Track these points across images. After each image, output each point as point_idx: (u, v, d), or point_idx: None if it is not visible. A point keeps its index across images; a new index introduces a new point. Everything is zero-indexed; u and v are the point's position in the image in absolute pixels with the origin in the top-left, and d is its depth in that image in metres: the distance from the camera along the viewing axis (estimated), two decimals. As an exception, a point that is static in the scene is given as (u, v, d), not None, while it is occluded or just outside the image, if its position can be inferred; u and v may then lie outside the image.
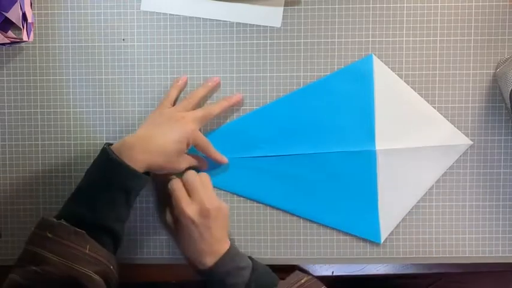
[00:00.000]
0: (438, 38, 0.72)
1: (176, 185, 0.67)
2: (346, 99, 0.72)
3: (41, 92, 0.74)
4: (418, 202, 0.73)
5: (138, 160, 0.63)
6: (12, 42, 0.70)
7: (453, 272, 0.75)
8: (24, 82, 0.74)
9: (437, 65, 0.72)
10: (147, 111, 0.73)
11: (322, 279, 0.73)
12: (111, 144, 0.66)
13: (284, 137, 0.72)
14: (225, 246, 0.67)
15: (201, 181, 0.68)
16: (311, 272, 0.75)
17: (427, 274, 0.77)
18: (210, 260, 0.66)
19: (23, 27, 0.70)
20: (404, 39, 0.72)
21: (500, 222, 0.73)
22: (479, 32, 0.72)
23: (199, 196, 0.66)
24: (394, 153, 0.71)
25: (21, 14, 0.69)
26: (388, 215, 0.72)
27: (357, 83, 0.72)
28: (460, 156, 0.73)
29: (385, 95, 0.72)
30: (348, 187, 0.72)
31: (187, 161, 0.70)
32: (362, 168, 0.72)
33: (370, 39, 0.72)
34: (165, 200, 0.69)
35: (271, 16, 0.72)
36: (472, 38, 0.72)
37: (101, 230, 0.62)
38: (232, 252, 0.67)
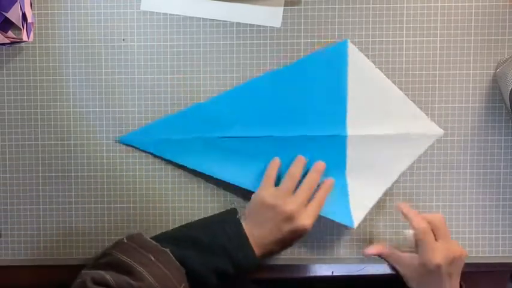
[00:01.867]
0: (438, 38, 0.72)
1: (427, 233, 0.65)
2: (319, 84, 0.72)
3: (41, 92, 0.74)
4: (419, 202, 0.73)
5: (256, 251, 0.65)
6: (12, 42, 0.70)
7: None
8: (24, 82, 0.74)
9: (437, 65, 0.72)
10: (147, 111, 0.73)
11: (322, 279, 0.74)
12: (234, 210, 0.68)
13: (256, 118, 0.72)
14: None
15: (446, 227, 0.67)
16: (311, 272, 0.75)
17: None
18: None
19: (23, 27, 0.70)
20: (404, 39, 0.72)
21: (500, 222, 0.73)
22: (479, 32, 0.72)
23: (448, 242, 0.65)
24: (364, 139, 0.71)
25: (21, 14, 0.69)
26: (358, 200, 0.72)
27: (331, 67, 0.71)
28: (460, 156, 0.73)
29: (359, 81, 0.71)
30: None
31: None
32: (332, 153, 0.71)
33: (370, 39, 0.72)
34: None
35: (271, 16, 0.72)
36: (472, 38, 0.72)
37: (197, 281, 0.63)
38: None
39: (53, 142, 0.74)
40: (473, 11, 0.72)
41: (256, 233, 0.65)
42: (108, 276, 0.58)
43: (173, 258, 0.62)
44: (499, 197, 0.73)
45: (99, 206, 0.74)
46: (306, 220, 0.66)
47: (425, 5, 0.72)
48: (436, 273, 0.64)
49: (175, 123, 0.73)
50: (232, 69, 0.73)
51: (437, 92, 0.72)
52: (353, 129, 0.71)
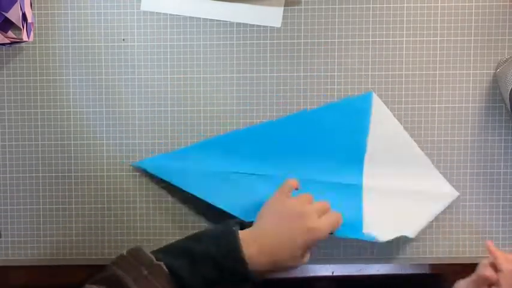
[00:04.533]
0: (438, 38, 0.72)
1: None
2: (340, 132, 0.72)
3: (41, 92, 0.74)
4: (418, 202, 0.73)
5: (261, 268, 0.62)
6: (12, 42, 0.70)
7: (453, 272, 0.75)
8: (24, 82, 0.74)
9: (437, 65, 0.72)
10: (147, 111, 0.73)
11: (322, 279, 0.74)
12: (240, 222, 0.65)
13: (274, 157, 0.72)
14: None
15: None
16: (311, 272, 0.75)
17: (426, 274, 0.77)
18: None
19: (23, 27, 0.70)
20: (404, 39, 0.72)
21: (500, 222, 0.73)
22: (479, 32, 0.72)
23: None
24: (380, 192, 0.71)
25: (21, 14, 0.69)
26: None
27: (354, 117, 0.72)
28: (460, 156, 0.73)
29: (380, 134, 0.72)
30: None
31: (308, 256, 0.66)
32: (348, 201, 0.71)
33: (370, 39, 0.72)
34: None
35: (271, 16, 0.73)
36: (472, 38, 0.72)
37: None
38: None
39: (53, 142, 0.74)
40: (473, 11, 0.72)
41: (263, 233, 0.63)
42: None
43: (166, 270, 0.60)
44: (499, 197, 0.73)
45: (99, 206, 0.74)
46: (317, 223, 0.62)
47: (425, 5, 0.72)
48: None
49: (194, 154, 0.73)
50: (232, 69, 0.73)
51: (437, 92, 0.73)
52: (369, 180, 0.71)
